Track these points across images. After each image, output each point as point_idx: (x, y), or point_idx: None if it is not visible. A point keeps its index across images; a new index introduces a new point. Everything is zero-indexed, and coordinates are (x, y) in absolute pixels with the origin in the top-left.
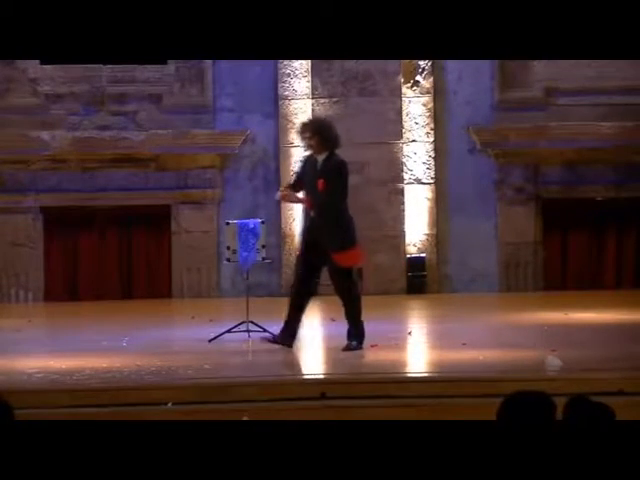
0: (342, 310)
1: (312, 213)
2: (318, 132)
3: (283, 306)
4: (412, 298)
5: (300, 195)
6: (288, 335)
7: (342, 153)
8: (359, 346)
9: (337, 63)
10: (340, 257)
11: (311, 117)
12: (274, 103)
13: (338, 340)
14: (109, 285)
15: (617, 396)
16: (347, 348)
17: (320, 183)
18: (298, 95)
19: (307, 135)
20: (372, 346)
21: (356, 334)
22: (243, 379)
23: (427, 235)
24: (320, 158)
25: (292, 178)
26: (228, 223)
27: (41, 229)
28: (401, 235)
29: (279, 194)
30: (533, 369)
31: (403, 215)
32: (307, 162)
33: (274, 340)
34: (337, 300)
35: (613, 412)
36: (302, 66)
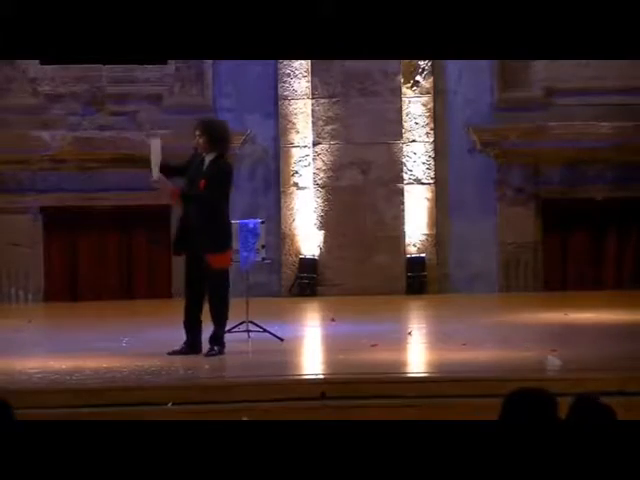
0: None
1: (182, 208)
2: (208, 132)
3: (283, 306)
4: (412, 298)
5: (170, 185)
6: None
7: (343, 153)
8: (222, 351)
9: (337, 63)
10: (213, 258)
11: (206, 117)
12: (274, 103)
13: (338, 340)
14: (109, 285)
15: (617, 396)
16: (209, 353)
17: (202, 183)
18: (298, 95)
19: (197, 133)
20: (372, 346)
21: (220, 338)
22: (243, 379)
23: (427, 235)
24: (207, 158)
25: (174, 162)
26: None
27: (41, 229)
28: (401, 235)
29: (157, 176)
30: (533, 369)
31: (403, 215)
32: (195, 158)
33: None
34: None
35: (614, 412)
36: (302, 66)
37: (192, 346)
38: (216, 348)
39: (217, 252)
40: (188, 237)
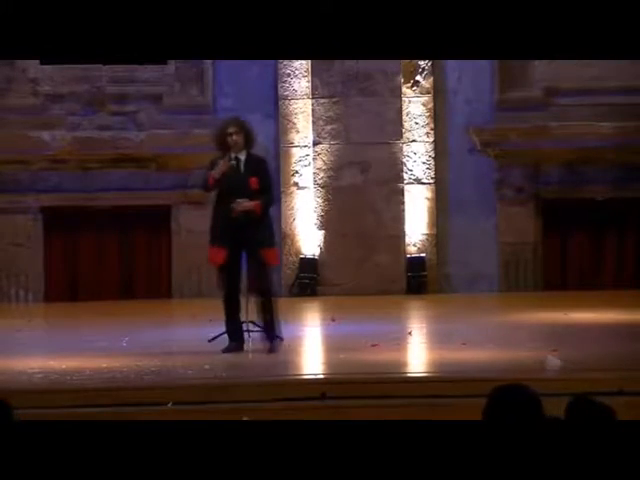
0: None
1: (221, 203)
2: (244, 130)
3: (283, 306)
4: (412, 298)
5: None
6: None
7: (343, 153)
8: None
9: (337, 63)
10: (269, 254)
11: (236, 116)
12: (274, 103)
13: (338, 340)
14: (109, 285)
15: (617, 396)
16: (276, 347)
17: (253, 180)
18: (298, 95)
19: (233, 130)
20: (372, 346)
21: (275, 330)
22: (243, 379)
23: (427, 235)
24: (241, 156)
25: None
26: None
27: (41, 229)
28: (401, 235)
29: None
30: (533, 369)
31: (403, 215)
32: (220, 159)
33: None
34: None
35: (613, 412)
36: (302, 66)
37: (241, 341)
38: (277, 340)
39: (272, 247)
40: (234, 232)
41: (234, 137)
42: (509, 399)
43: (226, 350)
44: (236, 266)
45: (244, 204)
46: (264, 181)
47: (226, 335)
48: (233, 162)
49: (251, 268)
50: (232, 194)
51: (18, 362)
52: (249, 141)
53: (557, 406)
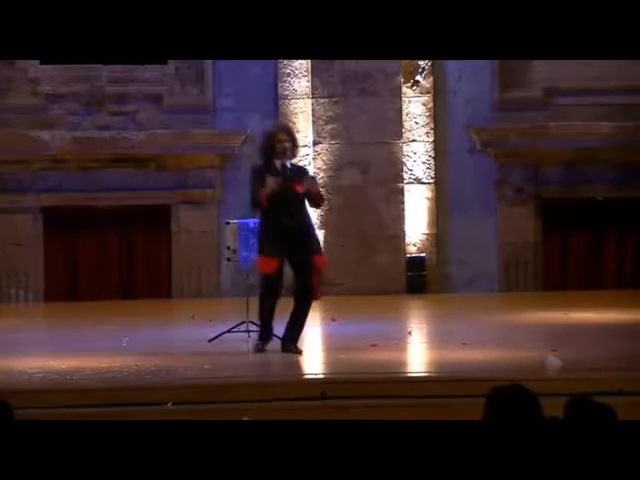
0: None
1: (272, 212)
2: (294, 138)
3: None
4: (412, 298)
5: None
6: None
7: (343, 153)
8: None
9: (337, 63)
10: (320, 260)
11: (284, 123)
12: (274, 103)
13: (338, 340)
14: (109, 285)
15: (617, 396)
16: (298, 351)
17: (299, 187)
18: (298, 95)
19: (285, 137)
20: (372, 346)
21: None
22: (243, 379)
23: (427, 235)
24: (286, 163)
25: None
26: (228, 223)
27: (41, 229)
28: (401, 235)
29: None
30: (533, 369)
31: (403, 215)
32: (264, 168)
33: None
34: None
35: (614, 412)
36: (302, 66)
37: (268, 339)
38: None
39: (322, 254)
40: (286, 241)
41: (285, 144)
42: (507, 400)
43: (259, 350)
44: (282, 274)
45: (312, 185)
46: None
47: (225, 335)
48: (279, 179)
49: (300, 274)
50: (282, 202)
51: (18, 362)
52: (295, 149)
53: (557, 406)
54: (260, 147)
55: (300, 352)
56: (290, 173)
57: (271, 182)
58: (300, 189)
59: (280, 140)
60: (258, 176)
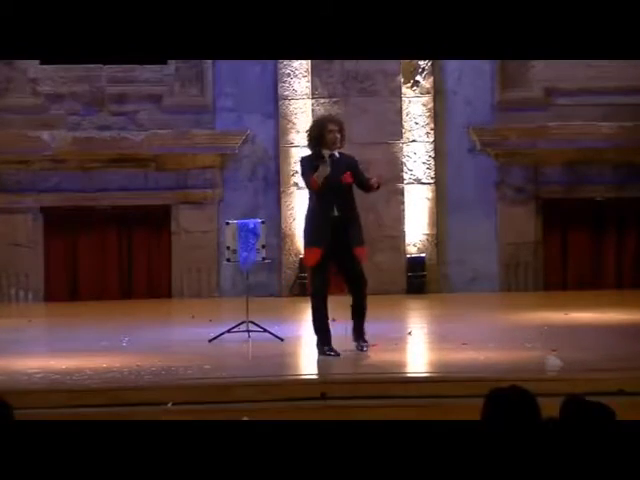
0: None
1: (320, 202)
2: (343, 129)
3: (283, 306)
4: (412, 298)
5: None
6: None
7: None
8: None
9: (337, 63)
10: (362, 252)
11: (333, 114)
12: (274, 103)
13: (338, 340)
14: (109, 285)
15: (617, 396)
16: (364, 347)
17: (348, 174)
18: (298, 95)
19: (336, 128)
20: (372, 346)
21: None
22: (243, 379)
23: (427, 235)
24: (334, 153)
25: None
26: (228, 223)
27: (41, 229)
28: (401, 235)
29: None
30: (533, 369)
31: (403, 215)
32: (315, 157)
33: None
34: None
35: (613, 412)
36: (302, 66)
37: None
38: (366, 342)
39: (364, 246)
40: (332, 232)
41: (335, 134)
42: (506, 402)
43: (329, 352)
44: (329, 266)
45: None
46: (361, 175)
47: (225, 335)
48: (328, 168)
49: (348, 266)
50: (330, 192)
51: (18, 362)
52: (343, 139)
53: (557, 407)
54: (309, 137)
55: (368, 345)
56: (338, 163)
57: (322, 170)
58: (347, 180)
59: (330, 130)
60: (308, 165)
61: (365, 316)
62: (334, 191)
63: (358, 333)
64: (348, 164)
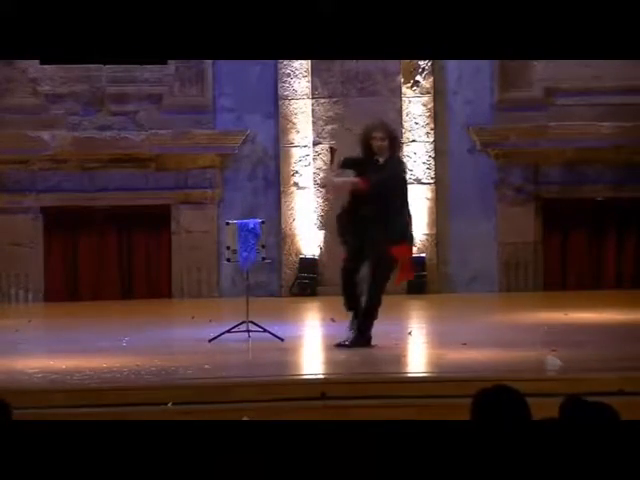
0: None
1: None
2: (391, 136)
3: (283, 306)
4: (412, 298)
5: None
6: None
7: (343, 153)
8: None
9: (337, 63)
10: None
11: (381, 120)
12: (274, 103)
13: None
14: (109, 285)
15: (617, 396)
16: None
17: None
18: (298, 95)
19: (380, 135)
20: (372, 346)
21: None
22: (243, 379)
23: (427, 235)
24: (381, 159)
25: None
26: (228, 223)
27: (41, 229)
28: None
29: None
30: (533, 369)
31: None
32: (364, 160)
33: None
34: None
35: (616, 412)
36: (302, 66)
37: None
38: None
39: (401, 243)
40: (361, 232)
41: (379, 142)
42: (492, 401)
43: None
44: (354, 266)
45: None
46: (386, 175)
47: (225, 335)
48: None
49: (370, 267)
50: (359, 197)
51: (18, 362)
52: (393, 146)
53: (557, 407)
54: (359, 143)
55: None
56: (378, 169)
57: (339, 181)
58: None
59: (374, 138)
60: (348, 165)
61: (362, 322)
62: (363, 196)
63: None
64: (389, 173)
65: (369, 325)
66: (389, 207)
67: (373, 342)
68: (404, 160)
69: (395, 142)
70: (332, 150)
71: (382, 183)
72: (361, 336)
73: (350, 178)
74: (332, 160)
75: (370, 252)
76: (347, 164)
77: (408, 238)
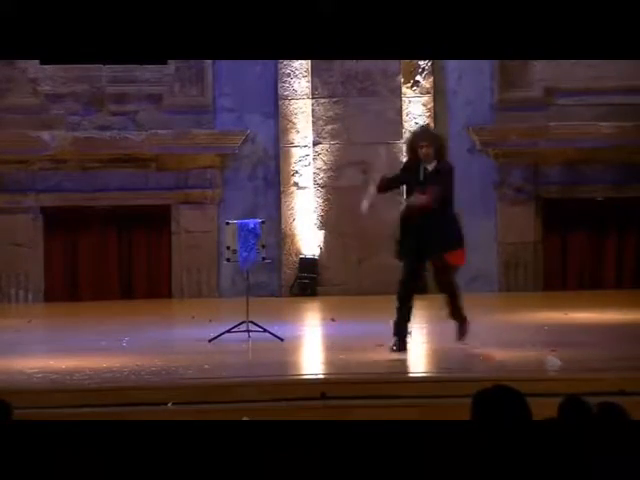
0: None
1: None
2: (435, 143)
3: (283, 306)
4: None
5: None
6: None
7: (343, 153)
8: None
9: (337, 63)
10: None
11: (426, 128)
12: (274, 103)
13: (338, 340)
14: (109, 285)
15: (617, 396)
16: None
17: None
18: (298, 95)
19: (424, 144)
20: (378, 345)
21: None
22: (243, 379)
23: None
24: (428, 166)
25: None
26: (228, 223)
27: (41, 229)
28: None
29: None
30: (533, 369)
31: None
32: (409, 168)
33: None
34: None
35: (623, 410)
36: (302, 66)
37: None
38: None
39: (455, 249)
40: (416, 240)
41: (424, 150)
42: (492, 401)
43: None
44: (413, 275)
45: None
46: (442, 186)
47: (225, 335)
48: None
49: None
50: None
51: (18, 362)
52: (440, 153)
53: (556, 406)
54: (406, 148)
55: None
56: (428, 175)
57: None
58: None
59: (420, 146)
60: (401, 169)
61: (400, 322)
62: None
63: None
64: (437, 175)
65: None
66: (446, 214)
67: (374, 341)
68: (452, 165)
69: (441, 148)
70: (366, 172)
71: (442, 194)
72: (463, 321)
73: (413, 200)
74: (370, 184)
75: (429, 258)
76: (390, 185)
77: (463, 244)
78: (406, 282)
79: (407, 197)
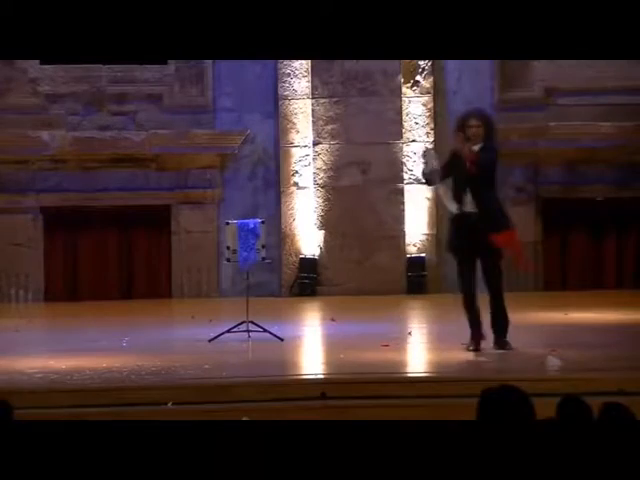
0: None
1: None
2: (487, 123)
3: (283, 306)
4: (412, 298)
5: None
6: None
7: (343, 153)
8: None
9: (337, 63)
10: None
11: (479, 108)
12: (274, 103)
13: (338, 340)
14: (109, 285)
15: (617, 396)
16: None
17: (471, 169)
18: (298, 95)
19: (476, 123)
20: (383, 346)
21: None
22: (243, 379)
23: (427, 235)
24: (475, 148)
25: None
26: (228, 223)
27: (41, 229)
28: (401, 235)
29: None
30: (533, 369)
31: (403, 215)
32: (456, 155)
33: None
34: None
35: (627, 409)
36: (302, 66)
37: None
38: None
39: (504, 230)
40: (466, 229)
41: (473, 130)
42: (498, 401)
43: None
44: (467, 267)
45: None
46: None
47: (225, 335)
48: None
49: (481, 263)
50: (456, 187)
51: (18, 362)
52: (489, 134)
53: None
54: (455, 128)
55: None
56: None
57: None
58: (471, 170)
59: (470, 126)
60: (445, 174)
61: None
62: (460, 184)
63: (496, 332)
64: (490, 155)
65: (506, 325)
66: (490, 195)
67: (376, 341)
68: (498, 148)
69: (491, 129)
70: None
71: (488, 160)
72: (504, 336)
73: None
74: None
75: (478, 249)
76: (445, 173)
77: (510, 223)
78: (466, 292)
79: (455, 184)
